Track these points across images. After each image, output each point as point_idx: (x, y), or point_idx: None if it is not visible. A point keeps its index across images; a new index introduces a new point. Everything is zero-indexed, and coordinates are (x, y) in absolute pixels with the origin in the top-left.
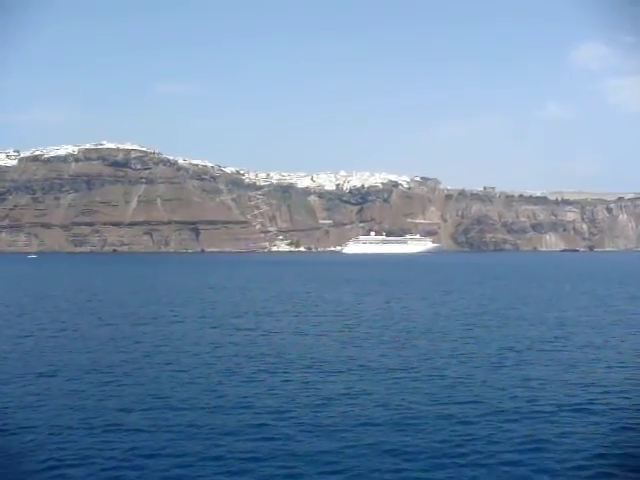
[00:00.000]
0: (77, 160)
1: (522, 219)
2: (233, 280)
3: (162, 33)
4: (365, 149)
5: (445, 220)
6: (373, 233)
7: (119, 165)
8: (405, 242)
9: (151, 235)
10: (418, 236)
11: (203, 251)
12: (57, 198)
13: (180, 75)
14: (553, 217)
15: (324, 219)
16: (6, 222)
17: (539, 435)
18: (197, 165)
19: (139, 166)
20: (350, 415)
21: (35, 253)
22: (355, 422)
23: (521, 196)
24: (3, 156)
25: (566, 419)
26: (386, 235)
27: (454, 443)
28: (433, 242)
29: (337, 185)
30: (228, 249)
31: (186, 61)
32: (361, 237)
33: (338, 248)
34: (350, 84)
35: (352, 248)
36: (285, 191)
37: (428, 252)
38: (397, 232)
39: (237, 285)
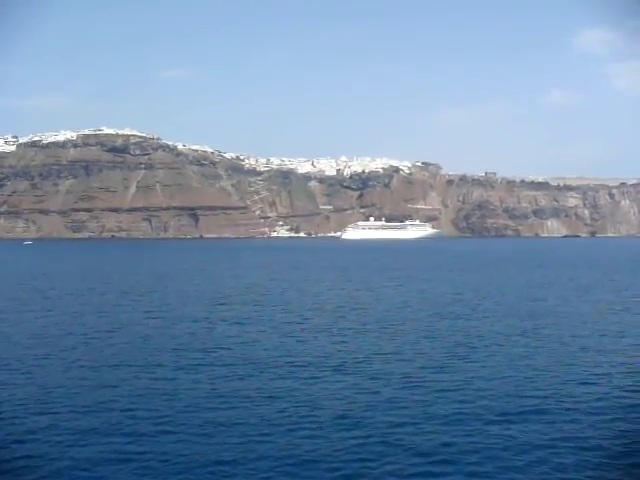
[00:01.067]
0: (76, 146)
1: (523, 205)
2: (203, 266)
3: (163, 20)
4: (366, 134)
5: (446, 205)
6: (372, 219)
7: (118, 151)
8: (404, 228)
9: (150, 221)
10: (417, 222)
11: (202, 237)
12: (55, 184)
13: (181, 61)
14: (555, 203)
15: (324, 204)
16: (4, 208)
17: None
18: (197, 151)
19: (138, 152)
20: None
21: (33, 239)
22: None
23: (523, 181)
24: (1, 142)
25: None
26: (387, 220)
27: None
28: (433, 228)
29: (338, 170)
30: (227, 235)
31: (187, 47)
32: (360, 223)
33: (338, 234)
34: (351, 70)
35: (351, 234)
36: (285, 177)
37: (428, 238)
38: (398, 217)
39: (190, 269)
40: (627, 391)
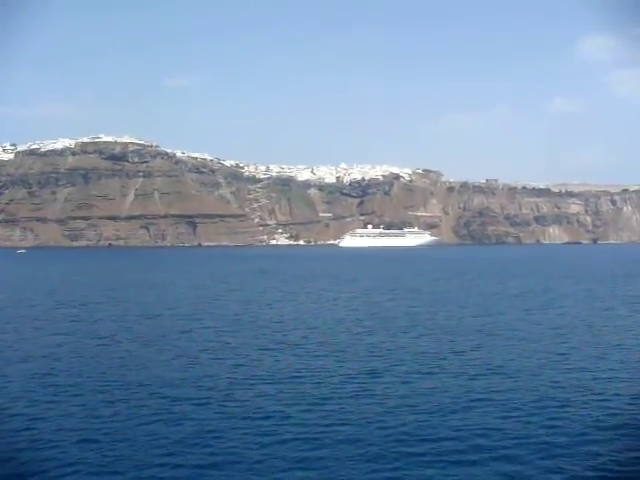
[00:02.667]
0: (74, 154)
1: (525, 211)
2: (178, 276)
3: (162, 27)
4: (366, 141)
5: (447, 213)
6: (370, 226)
7: (116, 158)
8: (403, 235)
9: (148, 229)
10: (416, 229)
11: (200, 245)
12: (53, 192)
13: (180, 68)
14: (556, 209)
15: (324, 212)
16: (1, 216)
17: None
18: (196, 158)
19: (136, 159)
20: None
21: (29, 248)
22: None
23: (524, 188)
24: (0, 150)
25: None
26: (387, 228)
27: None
28: (432, 235)
29: (337, 178)
30: (225, 243)
31: (187, 55)
32: (358, 230)
33: (337, 241)
34: (351, 76)
35: (348, 242)
36: (285, 184)
37: (427, 245)
38: (398, 225)
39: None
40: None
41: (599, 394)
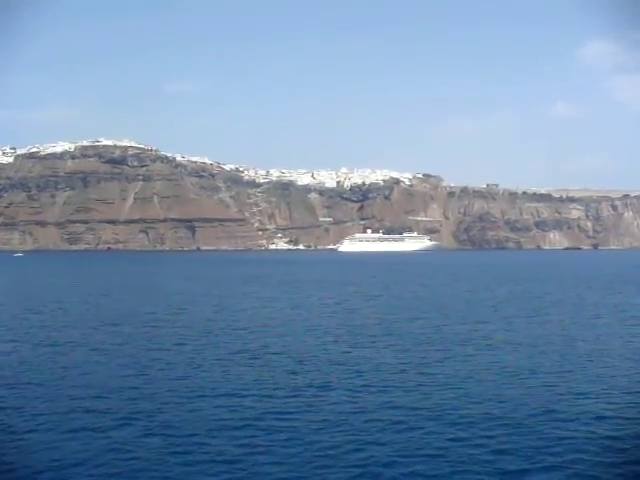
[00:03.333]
0: (73, 157)
1: (525, 217)
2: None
3: (163, 32)
4: (366, 146)
5: (447, 218)
6: (369, 231)
7: (116, 162)
8: (402, 240)
9: (147, 233)
10: (416, 234)
11: (199, 249)
12: (53, 196)
13: (181, 73)
14: (557, 215)
15: (324, 216)
16: (1, 220)
17: None
18: (195, 162)
19: (136, 163)
20: None
21: (27, 251)
22: None
23: (525, 193)
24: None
25: None
26: (387, 233)
27: None
28: (431, 240)
29: (338, 182)
30: (224, 247)
31: (187, 59)
32: (357, 235)
33: (337, 246)
34: (352, 80)
35: (347, 246)
36: (285, 188)
37: (426, 250)
38: (398, 230)
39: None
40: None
41: (555, 415)
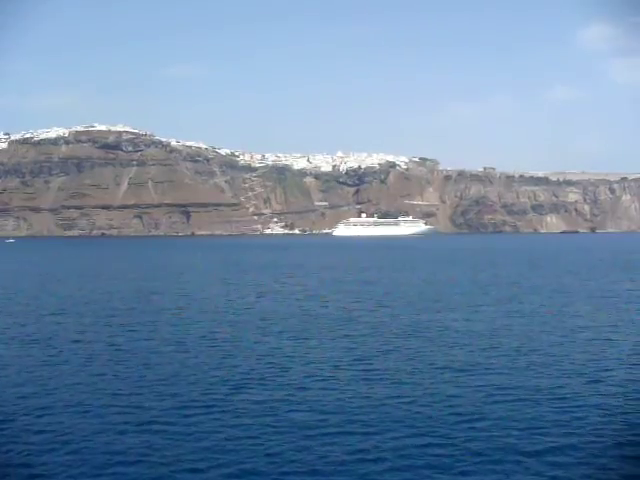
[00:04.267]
0: (67, 143)
1: (522, 200)
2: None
3: (161, 17)
4: (363, 130)
5: (443, 201)
6: (364, 215)
7: (110, 147)
8: (397, 224)
9: (141, 218)
10: (411, 218)
11: (193, 234)
12: (47, 181)
13: (177, 58)
14: (554, 198)
15: (320, 201)
16: None
17: None
18: (190, 147)
19: (130, 148)
20: None
21: (22, 237)
22: None
23: (522, 177)
24: None
25: None
26: (383, 217)
27: None
28: (427, 224)
29: (334, 166)
30: (219, 232)
31: (183, 44)
32: (352, 219)
33: (331, 230)
34: (348, 64)
35: (342, 230)
36: (280, 173)
37: (421, 234)
38: (394, 214)
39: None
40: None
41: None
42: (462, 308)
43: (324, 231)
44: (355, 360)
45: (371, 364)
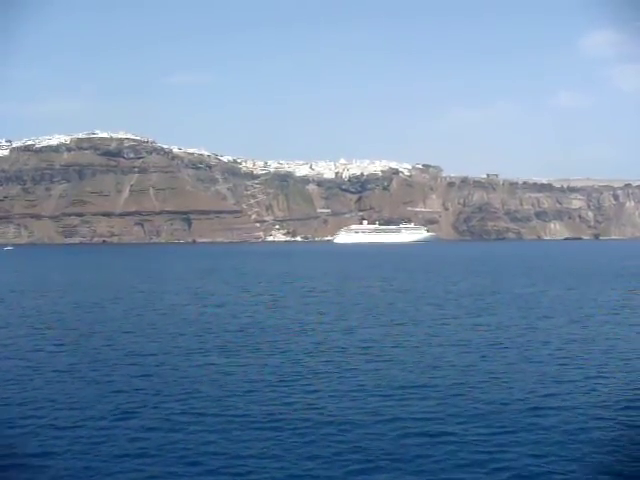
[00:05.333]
0: (69, 150)
1: (526, 207)
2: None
3: (163, 25)
4: (365, 137)
5: (446, 208)
6: (365, 222)
7: (112, 154)
8: (399, 231)
9: (142, 225)
10: (412, 225)
11: (194, 242)
12: (48, 189)
13: (180, 66)
14: (558, 205)
15: (322, 208)
16: None
17: None
18: (192, 154)
19: (132, 155)
20: None
21: (21, 245)
22: None
23: (525, 183)
24: None
25: None
26: (385, 224)
27: None
28: (431, 231)
29: (336, 173)
30: (220, 239)
31: (186, 52)
32: (353, 226)
33: (333, 237)
34: (350, 72)
35: (343, 238)
36: (283, 180)
37: (423, 241)
38: (396, 221)
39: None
40: None
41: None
42: (424, 321)
43: (326, 238)
44: (280, 381)
45: (291, 386)
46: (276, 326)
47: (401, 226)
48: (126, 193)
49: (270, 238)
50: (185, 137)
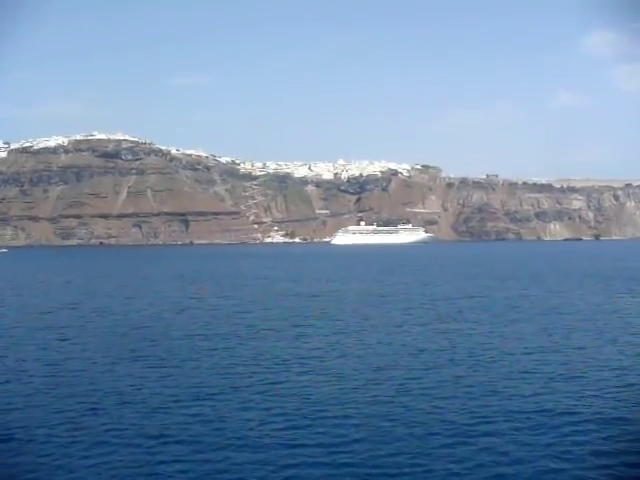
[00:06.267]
0: (67, 151)
1: (526, 207)
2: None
3: (161, 27)
4: (364, 137)
5: (446, 209)
6: (363, 223)
7: (109, 156)
8: (397, 232)
9: (140, 227)
10: (411, 226)
11: (192, 243)
12: (46, 190)
13: (179, 68)
14: (558, 205)
15: (321, 209)
16: None
17: None
18: (190, 155)
19: (130, 157)
20: None
21: (18, 247)
22: None
23: (525, 184)
24: None
25: None
26: (384, 225)
27: None
28: (427, 232)
29: (335, 174)
30: (218, 241)
31: (185, 54)
32: (350, 227)
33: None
34: (349, 72)
35: (341, 239)
36: (282, 181)
37: (421, 242)
38: (395, 222)
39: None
40: None
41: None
42: (382, 329)
43: (325, 239)
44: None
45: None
46: (225, 334)
47: (399, 227)
48: (124, 195)
49: (268, 239)
50: (183, 138)
